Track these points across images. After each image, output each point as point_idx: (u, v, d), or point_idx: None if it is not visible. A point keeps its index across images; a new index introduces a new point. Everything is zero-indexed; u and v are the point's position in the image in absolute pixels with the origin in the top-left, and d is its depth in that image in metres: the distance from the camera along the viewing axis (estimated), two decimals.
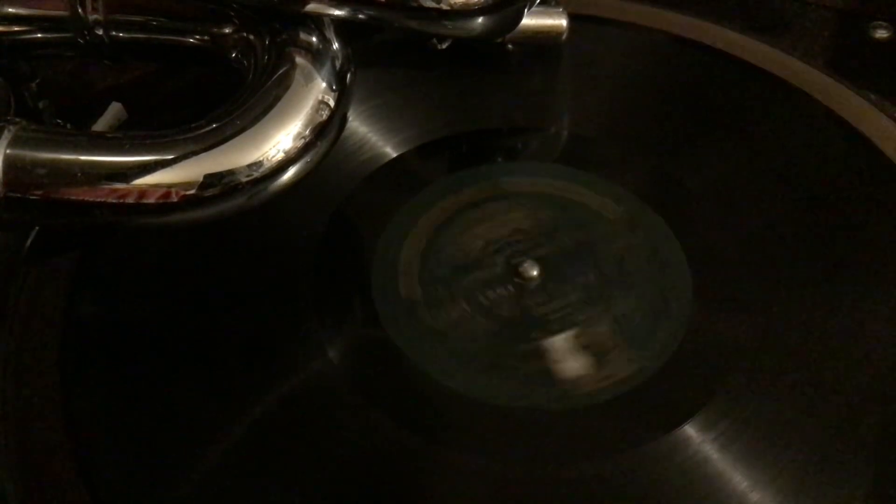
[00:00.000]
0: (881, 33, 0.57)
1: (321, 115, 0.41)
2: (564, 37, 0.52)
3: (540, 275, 0.44)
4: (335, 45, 0.43)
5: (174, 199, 0.38)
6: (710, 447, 0.38)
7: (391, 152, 0.49)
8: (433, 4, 0.42)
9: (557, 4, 0.52)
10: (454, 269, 0.44)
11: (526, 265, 0.44)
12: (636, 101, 0.53)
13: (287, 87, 0.40)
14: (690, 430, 0.39)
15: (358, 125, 0.50)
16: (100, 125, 0.50)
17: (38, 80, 0.50)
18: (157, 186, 0.38)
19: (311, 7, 0.42)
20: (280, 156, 0.39)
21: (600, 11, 0.56)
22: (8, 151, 0.37)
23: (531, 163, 0.50)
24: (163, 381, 0.40)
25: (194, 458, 0.38)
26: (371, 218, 0.47)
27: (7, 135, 0.38)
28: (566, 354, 0.42)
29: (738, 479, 0.37)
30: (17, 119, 0.39)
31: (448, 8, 0.43)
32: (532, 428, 0.39)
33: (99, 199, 0.38)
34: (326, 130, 0.41)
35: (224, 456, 0.38)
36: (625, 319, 0.43)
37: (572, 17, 0.52)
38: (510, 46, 0.53)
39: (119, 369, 0.41)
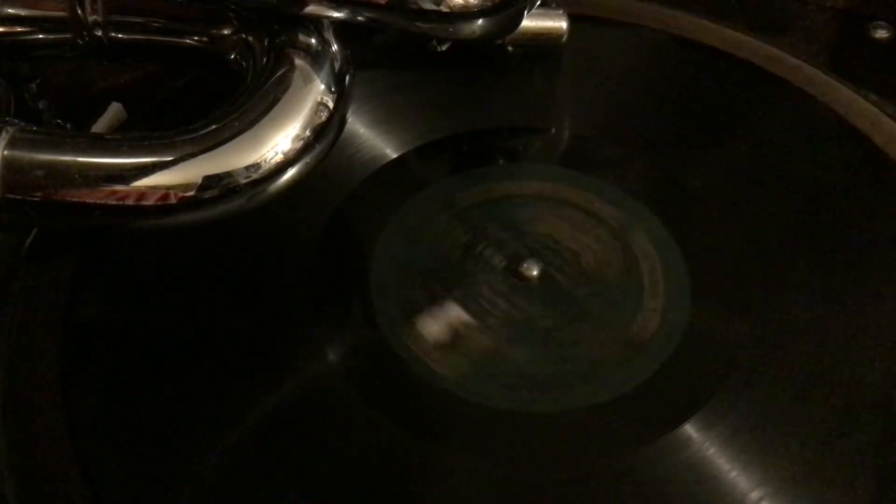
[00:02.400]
0: (881, 33, 0.57)
1: (320, 117, 0.41)
2: (565, 39, 0.52)
3: (540, 274, 0.44)
4: (334, 47, 0.43)
5: (173, 200, 0.38)
6: (709, 447, 0.38)
7: (391, 153, 0.49)
8: (433, 6, 0.42)
9: (557, 6, 0.52)
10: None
11: (526, 265, 0.44)
12: (636, 101, 0.53)
13: (286, 89, 0.40)
14: (690, 430, 0.39)
15: (358, 126, 0.50)
16: (100, 125, 0.50)
17: (38, 80, 0.50)
18: (155, 188, 0.38)
19: (310, 9, 0.42)
20: (279, 157, 0.39)
21: (600, 12, 0.56)
22: (6, 153, 0.37)
23: (531, 163, 0.50)
24: (162, 382, 0.40)
25: (194, 458, 0.38)
26: (371, 218, 0.46)
27: (5, 136, 0.38)
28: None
29: (738, 478, 0.37)
30: (16, 120, 0.39)
31: (448, 10, 0.43)
32: (531, 428, 0.39)
33: (97, 201, 0.38)
34: (325, 132, 0.41)
35: (224, 457, 0.38)
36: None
37: (572, 18, 0.52)
38: (510, 48, 0.53)
39: (119, 369, 0.41)
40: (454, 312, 0.43)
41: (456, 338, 0.42)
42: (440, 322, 0.43)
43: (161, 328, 0.42)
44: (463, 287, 0.44)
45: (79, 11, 0.44)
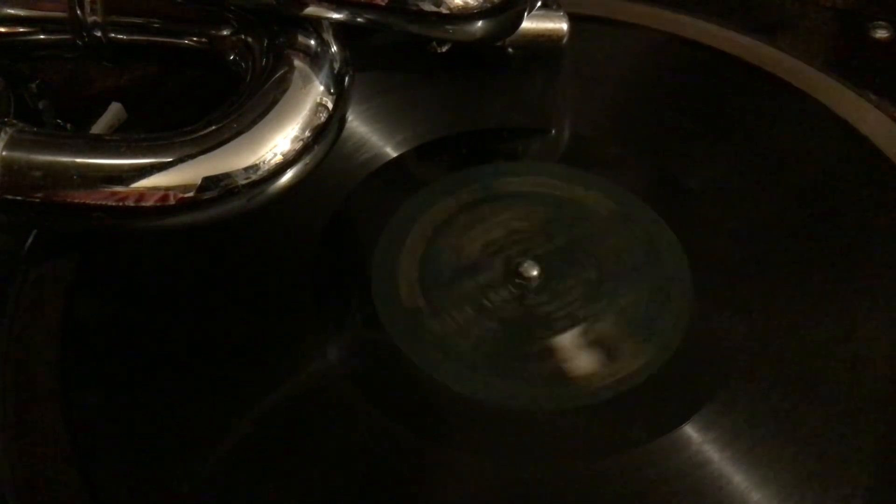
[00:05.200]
0: (881, 33, 0.57)
1: (319, 118, 0.41)
2: (565, 41, 0.52)
3: (540, 275, 0.44)
4: (333, 48, 0.43)
5: (172, 202, 0.38)
6: (709, 447, 0.38)
7: (391, 152, 0.49)
8: (433, 8, 0.42)
9: (558, 8, 0.52)
10: (454, 269, 0.45)
11: (526, 265, 0.44)
12: (636, 101, 0.53)
13: (285, 90, 0.40)
14: (690, 430, 0.39)
15: (358, 125, 0.50)
16: (100, 125, 0.50)
17: (37, 81, 0.50)
18: (154, 189, 0.38)
19: (309, 10, 0.42)
20: (278, 158, 0.39)
21: (600, 12, 0.56)
22: (5, 154, 0.37)
23: (531, 163, 0.50)
24: (163, 382, 0.40)
25: (194, 458, 0.38)
26: (371, 218, 0.47)
27: (4, 136, 0.38)
28: (574, 352, 0.42)
29: (738, 478, 0.37)
30: (15, 121, 0.39)
31: (447, 12, 0.43)
32: (532, 428, 0.39)
33: (96, 202, 0.38)
34: (325, 133, 0.41)
35: (224, 457, 0.38)
36: (628, 315, 0.43)
37: (572, 18, 0.52)
38: (510, 50, 0.53)
39: (119, 370, 0.41)
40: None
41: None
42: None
43: (161, 328, 0.42)
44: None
45: (78, 12, 0.44)
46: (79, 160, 0.38)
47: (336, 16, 0.43)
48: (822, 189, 0.48)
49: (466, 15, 0.43)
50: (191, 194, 0.38)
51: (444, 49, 0.51)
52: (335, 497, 0.37)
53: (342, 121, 0.43)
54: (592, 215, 0.47)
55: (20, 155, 0.38)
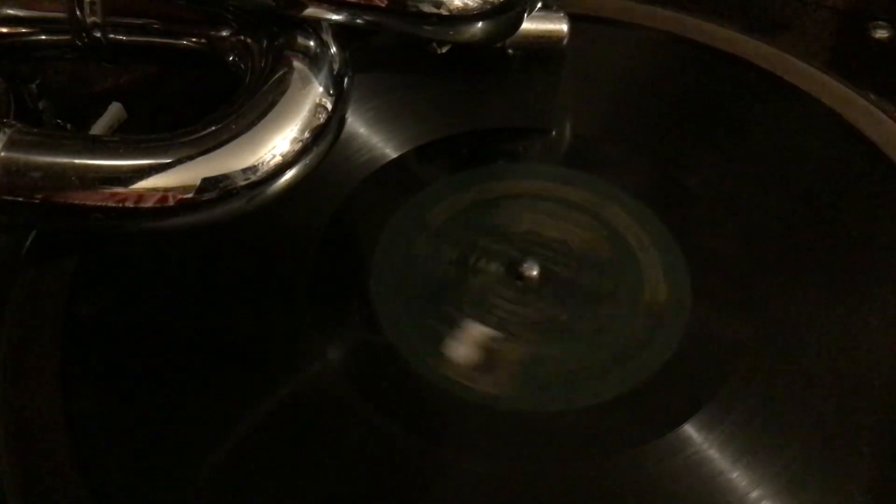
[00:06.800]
0: (881, 33, 0.57)
1: (318, 119, 0.41)
2: (565, 42, 0.52)
3: (541, 275, 0.44)
4: (333, 49, 0.43)
5: (171, 203, 0.38)
6: (709, 447, 0.38)
7: (391, 153, 0.49)
8: (432, 9, 0.42)
9: (558, 9, 0.52)
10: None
11: (526, 265, 0.44)
12: (637, 101, 0.53)
13: (284, 91, 0.40)
14: (690, 430, 0.39)
15: (358, 126, 0.50)
16: (100, 125, 0.50)
17: (37, 81, 0.50)
18: (153, 191, 0.38)
19: (308, 11, 0.42)
20: (277, 159, 0.39)
21: (600, 12, 0.56)
22: (4, 154, 0.37)
23: (531, 164, 0.50)
24: (162, 382, 0.40)
25: (194, 458, 0.38)
26: (371, 218, 0.47)
27: (3, 137, 0.38)
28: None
29: (738, 478, 0.37)
30: (14, 122, 0.39)
31: (447, 13, 0.43)
32: (532, 428, 0.39)
33: (95, 203, 0.38)
34: (324, 134, 0.41)
35: (223, 457, 0.38)
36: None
37: (572, 18, 0.52)
38: (510, 51, 0.53)
39: (119, 370, 0.41)
40: (453, 311, 0.43)
41: (455, 337, 0.42)
42: (439, 321, 0.43)
43: (161, 329, 0.42)
44: (462, 286, 0.44)
45: (78, 13, 0.44)
46: (78, 161, 0.38)
47: (335, 17, 0.43)
48: (822, 189, 0.48)
49: (466, 16, 0.43)
50: (190, 195, 0.38)
51: (444, 50, 0.51)
52: (334, 497, 0.37)
53: (341, 122, 0.43)
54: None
55: (20, 155, 0.38)
